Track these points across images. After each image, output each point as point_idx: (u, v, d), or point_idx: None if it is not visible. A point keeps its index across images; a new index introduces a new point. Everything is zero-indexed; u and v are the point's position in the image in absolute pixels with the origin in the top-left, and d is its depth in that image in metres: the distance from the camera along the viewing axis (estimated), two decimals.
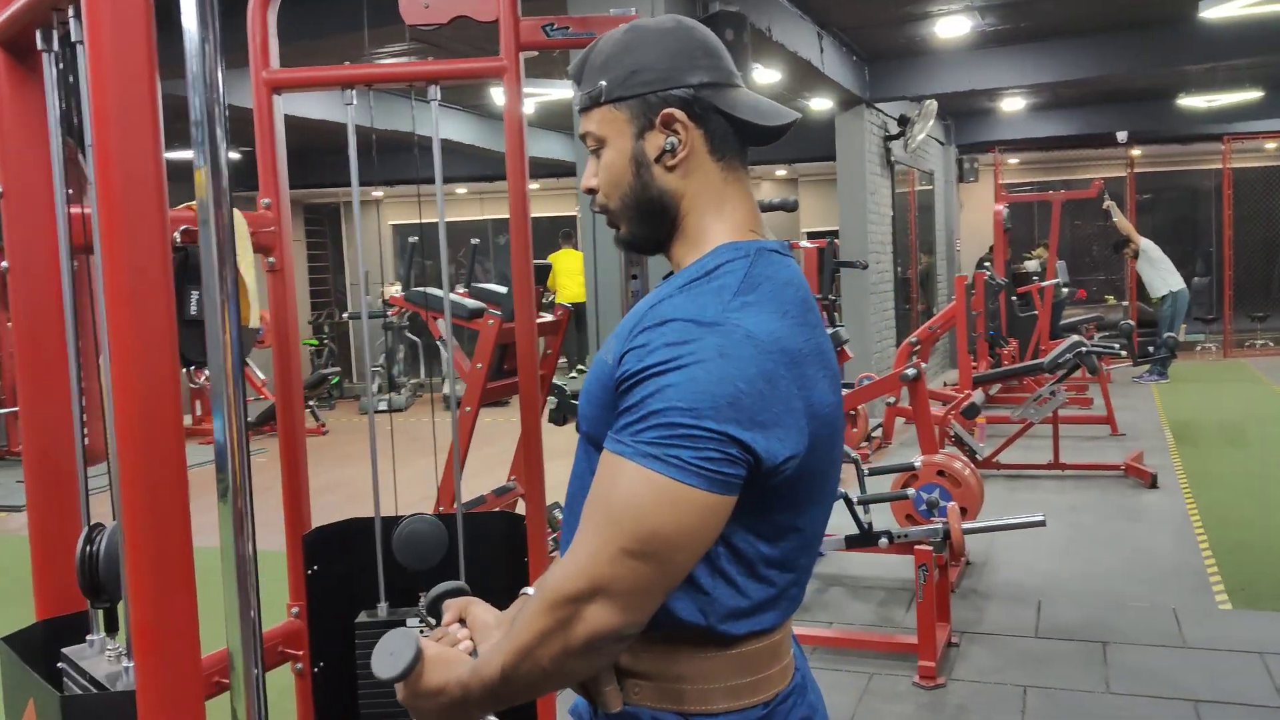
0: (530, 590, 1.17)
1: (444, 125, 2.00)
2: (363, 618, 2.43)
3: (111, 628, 1.70)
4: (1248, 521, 5.24)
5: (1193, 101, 10.96)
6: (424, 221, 3.09)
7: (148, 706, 1.32)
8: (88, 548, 1.65)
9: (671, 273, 1.19)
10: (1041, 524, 3.66)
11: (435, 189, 2.46)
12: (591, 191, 1.22)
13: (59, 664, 1.72)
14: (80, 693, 1.76)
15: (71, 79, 1.74)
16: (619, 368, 1.06)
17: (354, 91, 2.39)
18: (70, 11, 1.60)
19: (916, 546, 3.51)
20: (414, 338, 11.47)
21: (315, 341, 12.45)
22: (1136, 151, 12.61)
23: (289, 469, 2.44)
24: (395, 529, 2.40)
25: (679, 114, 1.14)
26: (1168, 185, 14.34)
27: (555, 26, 2.41)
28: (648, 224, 1.19)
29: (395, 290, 9.96)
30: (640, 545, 1.00)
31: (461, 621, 1.25)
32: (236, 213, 2.19)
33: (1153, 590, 4.27)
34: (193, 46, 1.23)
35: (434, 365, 12.12)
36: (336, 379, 11.39)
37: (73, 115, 1.78)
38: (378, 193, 13.35)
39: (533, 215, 2.44)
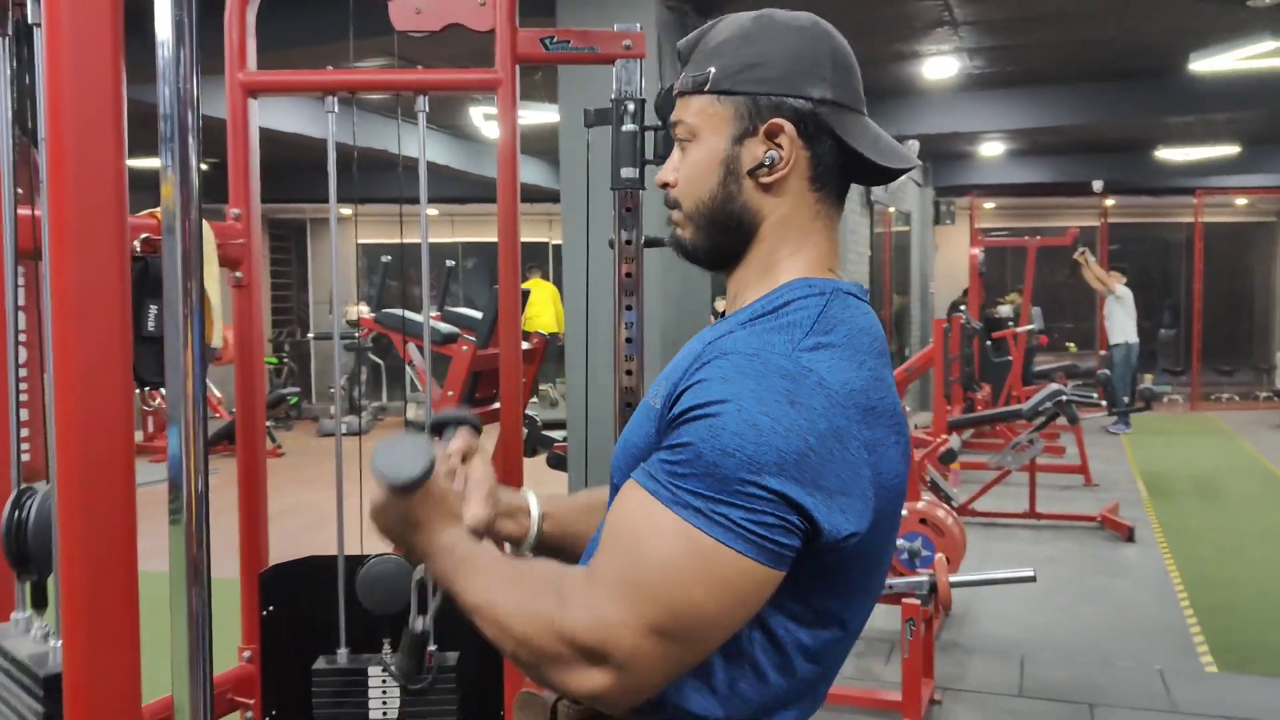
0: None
1: (417, 144, 1.91)
2: (321, 664, 2.24)
3: (39, 603, 1.53)
4: (1229, 581, 5.16)
5: (1169, 154, 11.04)
6: (396, 241, 2.92)
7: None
8: (16, 514, 1.47)
9: (722, 314, 1.05)
10: (1032, 579, 3.53)
11: (413, 208, 2.31)
12: (666, 186, 1.07)
13: None
14: None
15: (23, 62, 1.57)
16: (674, 407, 0.91)
17: (335, 99, 2.24)
18: None
19: (903, 599, 3.37)
20: (377, 359, 11.24)
21: (275, 360, 12.15)
22: (1110, 201, 12.70)
23: (247, 501, 2.26)
24: (359, 569, 2.23)
25: (788, 127, 0.99)
26: (1137, 236, 14.47)
27: (555, 40, 2.27)
28: (717, 237, 1.04)
29: (361, 310, 9.73)
30: (673, 621, 0.85)
31: (464, 461, 1.11)
32: (204, 223, 2.03)
33: (1138, 649, 4.15)
34: (165, 26, 1.08)
35: (396, 389, 11.88)
36: (296, 399, 11.10)
37: (25, 107, 1.61)
38: (348, 210, 13.09)
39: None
